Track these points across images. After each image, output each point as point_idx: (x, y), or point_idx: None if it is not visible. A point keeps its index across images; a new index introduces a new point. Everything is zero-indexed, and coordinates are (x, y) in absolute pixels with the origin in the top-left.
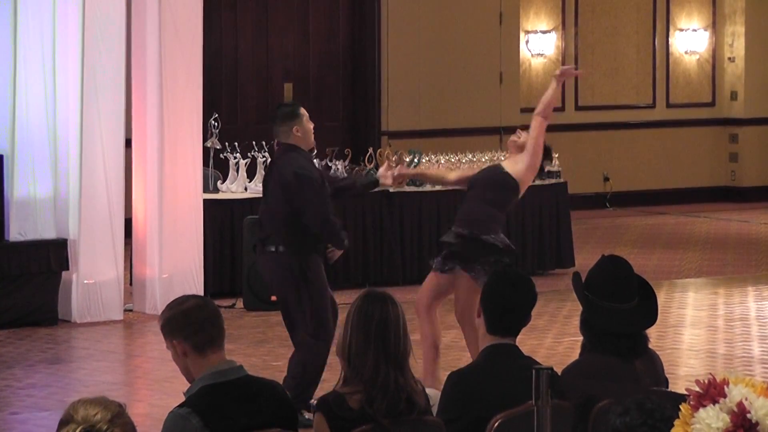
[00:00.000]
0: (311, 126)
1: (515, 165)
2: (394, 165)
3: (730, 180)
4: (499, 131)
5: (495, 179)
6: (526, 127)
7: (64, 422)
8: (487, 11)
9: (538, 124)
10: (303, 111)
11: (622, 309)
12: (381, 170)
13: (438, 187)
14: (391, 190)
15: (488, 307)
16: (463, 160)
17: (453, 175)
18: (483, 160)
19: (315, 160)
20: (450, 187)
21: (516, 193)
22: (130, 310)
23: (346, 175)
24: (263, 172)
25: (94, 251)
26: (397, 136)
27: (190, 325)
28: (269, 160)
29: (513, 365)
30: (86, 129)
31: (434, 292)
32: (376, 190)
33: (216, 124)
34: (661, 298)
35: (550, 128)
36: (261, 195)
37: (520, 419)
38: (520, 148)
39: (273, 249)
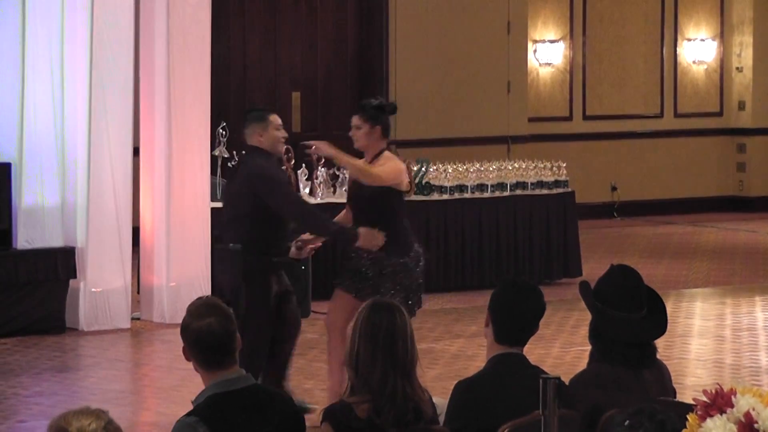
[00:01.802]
0: (280, 135)
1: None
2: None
3: (737, 190)
4: (507, 140)
5: None
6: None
7: None
8: (495, 20)
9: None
10: (272, 118)
11: (631, 319)
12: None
13: (445, 196)
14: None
15: (496, 316)
16: (471, 169)
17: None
18: (491, 169)
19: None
20: (458, 196)
21: None
22: (138, 319)
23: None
24: None
25: (101, 259)
26: (405, 145)
27: (198, 347)
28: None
29: (520, 374)
30: (94, 137)
31: (350, 315)
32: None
33: (224, 132)
34: (668, 307)
35: (558, 137)
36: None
37: (527, 429)
38: None
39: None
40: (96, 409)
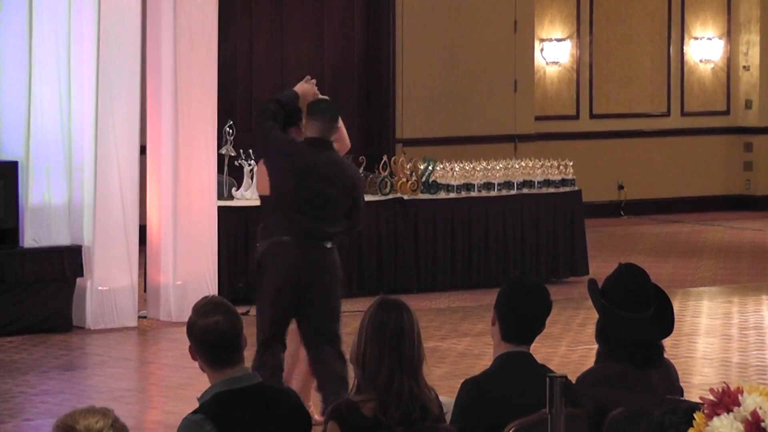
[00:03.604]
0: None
1: None
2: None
3: (744, 189)
4: (514, 139)
5: None
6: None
7: None
8: (501, 19)
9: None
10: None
11: (638, 319)
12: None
13: (452, 195)
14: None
15: (503, 315)
16: (478, 168)
17: None
18: (498, 167)
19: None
20: (465, 194)
21: None
22: (144, 317)
23: None
24: None
25: (108, 258)
26: (411, 144)
27: (205, 346)
28: None
29: (527, 373)
30: (101, 136)
31: None
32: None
33: (230, 131)
34: (675, 306)
35: (565, 136)
36: None
37: (533, 427)
38: None
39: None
40: (102, 407)
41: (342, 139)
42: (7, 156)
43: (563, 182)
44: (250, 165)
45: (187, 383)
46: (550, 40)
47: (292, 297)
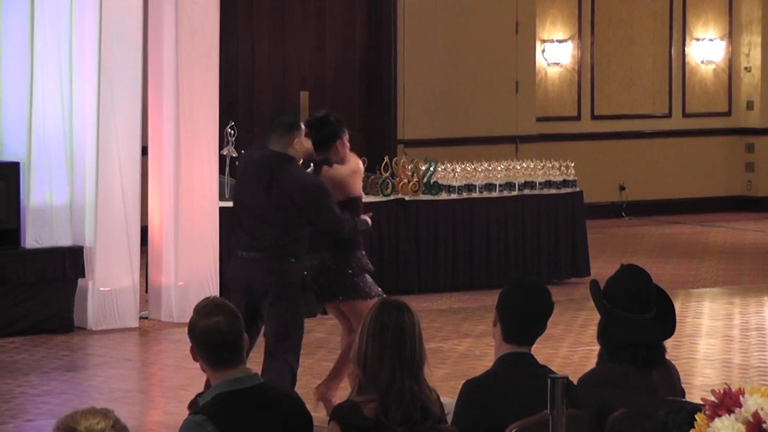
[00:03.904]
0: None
1: None
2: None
3: (746, 189)
4: (515, 140)
5: None
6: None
7: None
8: (503, 20)
9: None
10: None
11: (640, 319)
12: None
13: (454, 196)
14: None
15: (504, 316)
16: (479, 169)
17: None
18: (499, 168)
19: None
20: (466, 195)
21: None
22: (146, 318)
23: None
24: None
25: (109, 259)
26: (413, 145)
27: (206, 346)
28: None
29: (528, 374)
30: (102, 136)
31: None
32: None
33: (232, 132)
34: (676, 307)
35: (566, 137)
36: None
37: (535, 428)
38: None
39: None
40: (103, 408)
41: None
42: (9, 156)
43: (565, 183)
44: None
45: (189, 384)
46: (552, 41)
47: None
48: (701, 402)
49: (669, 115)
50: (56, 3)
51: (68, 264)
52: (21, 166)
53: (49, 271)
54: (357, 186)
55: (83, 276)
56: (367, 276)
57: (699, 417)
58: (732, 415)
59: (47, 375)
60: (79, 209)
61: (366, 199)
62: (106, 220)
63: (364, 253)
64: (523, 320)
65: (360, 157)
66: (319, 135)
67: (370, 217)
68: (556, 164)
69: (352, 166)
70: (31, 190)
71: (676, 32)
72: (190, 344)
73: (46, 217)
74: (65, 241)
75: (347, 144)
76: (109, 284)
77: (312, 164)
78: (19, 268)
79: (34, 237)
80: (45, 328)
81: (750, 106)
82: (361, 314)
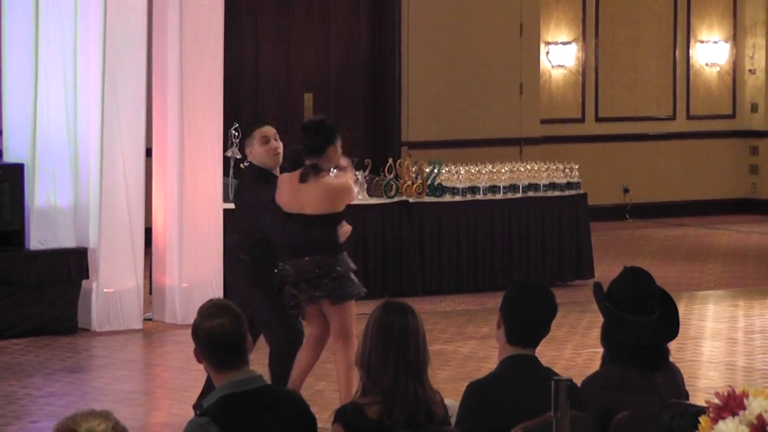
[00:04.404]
0: (267, 148)
1: None
2: None
3: (750, 192)
4: (519, 142)
5: None
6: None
7: None
8: (507, 22)
9: None
10: (257, 132)
11: (643, 322)
12: None
13: (458, 198)
14: None
15: (508, 318)
16: (483, 171)
17: None
18: (503, 170)
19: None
20: (470, 198)
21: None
22: (150, 319)
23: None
24: None
25: (114, 260)
26: (417, 147)
27: (210, 348)
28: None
29: (532, 376)
30: (107, 138)
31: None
32: None
33: (236, 133)
34: (681, 310)
35: (570, 139)
36: None
37: (539, 430)
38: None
39: None
40: (103, 410)
41: None
42: (13, 158)
43: (569, 185)
44: None
45: (193, 386)
46: (556, 43)
47: None
48: (705, 405)
49: (673, 118)
50: (60, 4)
51: (72, 265)
52: (25, 167)
53: (53, 273)
54: (344, 203)
55: (87, 277)
56: (353, 275)
57: (703, 420)
58: (736, 418)
59: (51, 376)
60: (83, 211)
61: (370, 201)
62: (110, 222)
63: (345, 253)
64: (527, 322)
65: (364, 159)
66: (314, 140)
67: (349, 231)
68: (560, 166)
69: (346, 183)
70: (35, 192)
71: (681, 34)
72: (193, 346)
73: (50, 218)
74: (69, 242)
75: (340, 151)
76: (113, 286)
77: (300, 170)
78: (23, 269)
79: (38, 238)
80: (49, 330)
81: (754, 108)
82: (349, 315)
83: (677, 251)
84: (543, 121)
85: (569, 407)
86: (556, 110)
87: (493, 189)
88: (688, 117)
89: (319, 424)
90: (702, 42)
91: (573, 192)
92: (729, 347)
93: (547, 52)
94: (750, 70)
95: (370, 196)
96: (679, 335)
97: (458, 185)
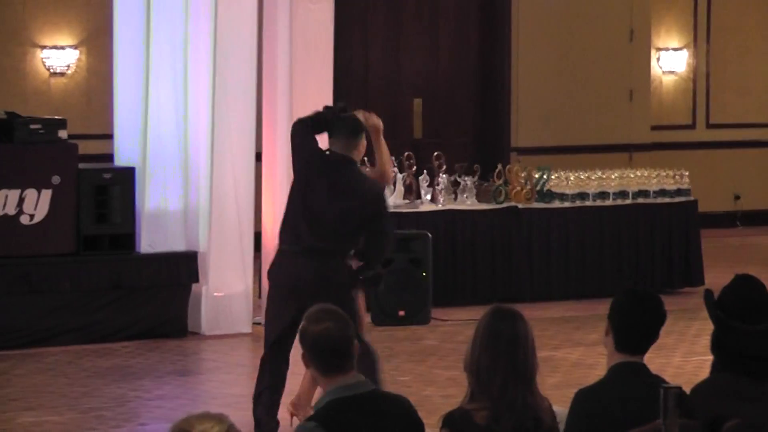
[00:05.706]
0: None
1: None
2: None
3: None
4: (629, 148)
5: None
6: None
7: None
8: (617, 28)
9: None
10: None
11: (755, 331)
12: None
13: (567, 204)
14: None
15: (617, 325)
16: (593, 177)
17: None
18: (613, 177)
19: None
20: (579, 204)
21: None
22: (259, 324)
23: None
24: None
25: (223, 264)
26: (526, 152)
27: (317, 352)
28: (400, 174)
29: (641, 383)
30: (217, 142)
31: None
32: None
33: None
34: None
35: (681, 145)
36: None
37: None
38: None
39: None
40: (217, 413)
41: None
42: (124, 162)
43: (679, 192)
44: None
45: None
46: (667, 49)
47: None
48: None
49: None
50: (171, 10)
51: (182, 269)
52: (136, 171)
53: (163, 276)
54: None
55: (197, 281)
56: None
57: None
58: None
59: (161, 379)
60: (193, 214)
61: (479, 206)
62: (220, 226)
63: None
64: (636, 329)
65: (473, 164)
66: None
67: None
68: (670, 173)
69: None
70: (146, 196)
71: None
72: (301, 350)
73: (160, 222)
74: (179, 246)
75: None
76: (222, 289)
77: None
78: (134, 273)
79: (148, 242)
80: (159, 333)
81: None
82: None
83: None
84: (653, 128)
85: (678, 415)
86: (666, 116)
87: (603, 195)
88: None
89: (427, 429)
90: None
91: (683, 199)
92: None
93: (658, 58)
94: None
95: (479, 201)
96: None
97: (567, 191)
